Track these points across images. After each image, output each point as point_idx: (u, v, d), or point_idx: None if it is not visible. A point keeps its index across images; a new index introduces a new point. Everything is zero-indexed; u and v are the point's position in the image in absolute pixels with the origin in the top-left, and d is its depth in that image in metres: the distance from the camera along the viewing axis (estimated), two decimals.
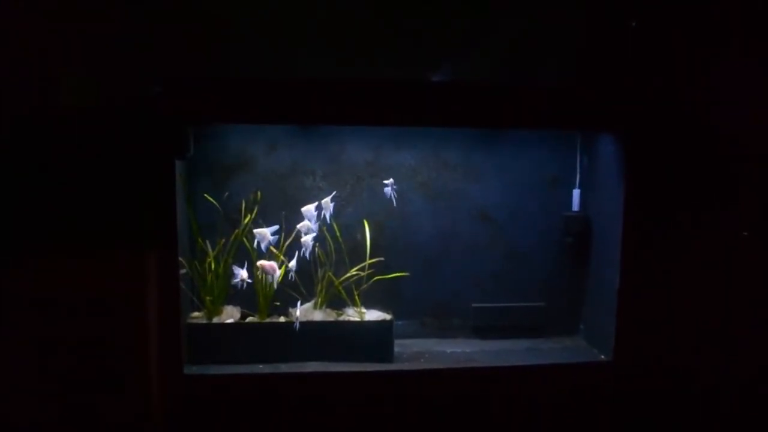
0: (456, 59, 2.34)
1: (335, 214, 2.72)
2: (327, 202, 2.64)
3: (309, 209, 2.67)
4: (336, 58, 2.29)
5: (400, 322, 2.79)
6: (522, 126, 2.60)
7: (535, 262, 2.90)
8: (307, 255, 2.63)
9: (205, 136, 2.65)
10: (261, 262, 2.61)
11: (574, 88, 2.41)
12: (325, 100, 2.29)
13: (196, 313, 2.65)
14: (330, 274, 2.68)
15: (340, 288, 2.69)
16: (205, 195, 2.64)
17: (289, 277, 2.57)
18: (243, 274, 2.59)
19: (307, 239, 2.65)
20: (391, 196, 2.61)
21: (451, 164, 2.84)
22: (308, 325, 2.58)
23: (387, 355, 2.60)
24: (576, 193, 2.86)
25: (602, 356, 2.65)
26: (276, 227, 2.65)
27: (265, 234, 2.62)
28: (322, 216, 2.66)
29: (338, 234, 2.70)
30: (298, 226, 2.65)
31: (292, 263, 2.64)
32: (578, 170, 2.87)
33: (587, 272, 2.86)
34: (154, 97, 2.20)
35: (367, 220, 2.73)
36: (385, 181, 2.67)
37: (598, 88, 2.42)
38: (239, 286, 2.57)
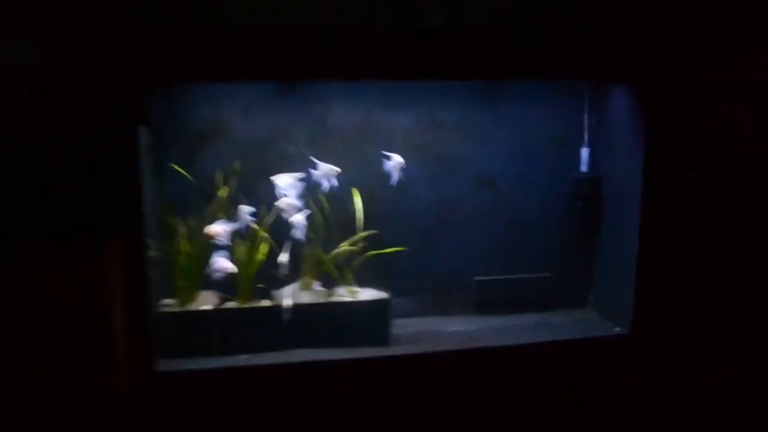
0: (456, 3, 2.11)
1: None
2: (300, 219, 2.37)
3: (284, 180, 2.38)
4: (317, 3, 2.05)
5: (397, 301, 2.63)
6: (531, 77, 2.41)
7: (542, 230, 2.78)
8: (302, 236, 2.38)
9: (171, 100, 2.45)
10: (207, 228, 2.32)
11: (589, 33, 2.21)
12: (307, 52, 2.07)
13: (168, 300, 2.43)
14: (318, 251, 2.48)
15: (331, 266, 2.51)
16: (174, 166, 2.40)
17: (278, 273, 2.38)
18: (227, 265, 2.34)
19: (299, 218, 2.38)
20: (392, 175, 2.41)
21: (449, 125, 2.67)
22: (295, 309, 2.37)
23: (383, 338, 2.44)
24: (585, 152, 2.72)
25: (617, 329, 2.52)
26: (253, 209, 2.42)
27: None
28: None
29: (325, 205, 2.47)
30: (278, 203, 2.38)
31: (283, 258, 2.38)
32: (586, 127, 2.72)
33: (598, 239, 2.74)
34: (108, 58, 1.94)
35: (358, 190, 2.54)
36: (387, 155, 2.46)
37: (614, 33, 2.22)
38: (219, 275, 2.35)
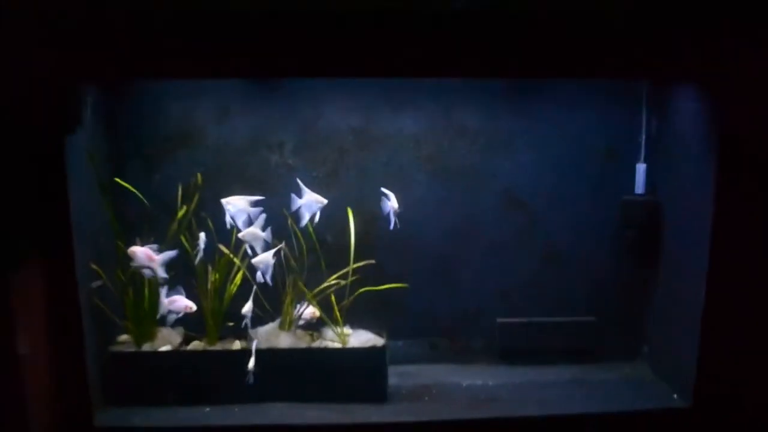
0: None
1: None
2: (267, 258, 2.09)
3: (236, 202, 2.08)
4: None
5: (401, 343, 2.51)
6: (576, 74, 2.13)
7: (583, 264, 2.56)
8: (268, 279, 2.10)
9: (132, 101, 2.31)
10: (132, 249, 2.04)
11: (650, 21, 1.94)
12: (291, 43, 1.85)
13: (123, 337, 2.25)
14: (301, 283, 2.24)
15: (315, 302, 2.28)
16: (117, 179, 2.21)
17: (242, 324, 2.15)
18: (184, 303, 2.10)
19: (264, 259, 2.08)
20: (390, 215, 2.17)
21: (469, 131, 2.46)
22: (272, 354, 2.16)
23: (378, 393, 2.22)
24: (641, 168, 2.47)
25: (675, 395, 2.25)
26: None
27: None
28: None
29: (311, 231, 2.24)
30: (241, 235, 2.11)
31: (247, 308, 2.11)
32: (643, 138, 2.48)
33: (654, 278, 2.50)
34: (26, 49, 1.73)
35: (353, 210, 2.33)
36: (384, 192, 2.18)
37: (681, 22, 1.96)
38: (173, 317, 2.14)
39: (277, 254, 2.10)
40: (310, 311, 2.21)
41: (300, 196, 2.13)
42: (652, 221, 2.43)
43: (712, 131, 2.07)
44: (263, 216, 2.09)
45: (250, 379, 2.02)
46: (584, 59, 1.99)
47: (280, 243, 2.16)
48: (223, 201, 2.06)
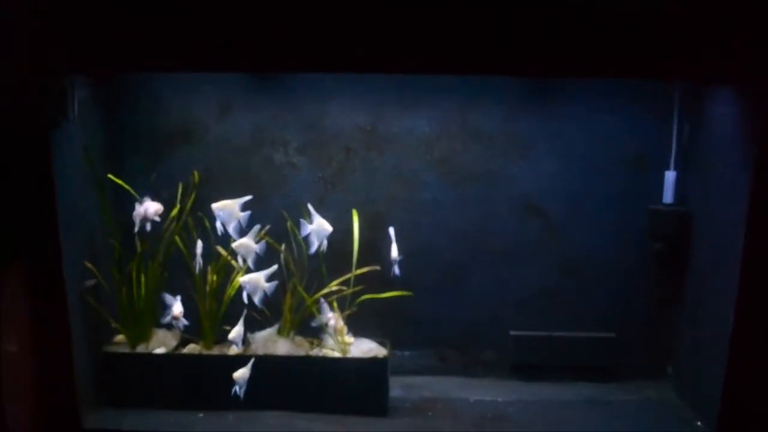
0: None
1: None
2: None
3: (225, 207, 2.01)
4: None
5: (408, 353, 2.46)
6: (601, 73, 2.01)
7: (605, 276, 2.48)
8: (256, 301, 2.03)
9: (132, 95, 2.29)
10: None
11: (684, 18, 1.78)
12: (296, 34, 1.73)
13: (119, 337, 2.21)
14: (300, 288, 2.19)
15: (315, 309, 2.20)
16: (110, 176, 2.18)
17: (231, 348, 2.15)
18: (176, 308, 2.05)
19: (254, 280, 2.02)
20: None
21: (485, 133, 2.40)
22: (268, 361, 2.12)
23: (378, 406, 2.16)
24: (670, 176, 2.37)
25: (699, 423, 2.14)
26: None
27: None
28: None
29: (320, 257, 2.22)
30: (234, 245, 2.05)
31: (236, 332, 2.05)
32: (674, 144, 2.38)
33: (682, 293, 2.41)
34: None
35: (359, 211, 2.28)
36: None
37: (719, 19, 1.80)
38: (176, 324, 2.08)
39: (270, 278, 2.03)
40: (333, 319, 2.14)
41: (311, 221, 2.08)
42: (680, 233, 2.35)
43: (749, 138, 1.95)
44: (257, 227, 2.03)
45: (237, 389, 1.96)
46: (612, 58, 1.86)
47: (280, 247, 2.11)
48: (214, 206, 2.01)
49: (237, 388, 1.97)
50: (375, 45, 1.81)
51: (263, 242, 2.02)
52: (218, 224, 1.98)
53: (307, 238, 2.06)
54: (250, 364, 1.96)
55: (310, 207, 2.07)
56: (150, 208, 2.01)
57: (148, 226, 2.02)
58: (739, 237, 1.93)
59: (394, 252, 2.11)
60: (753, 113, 1.96)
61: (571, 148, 2.40)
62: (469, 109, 2.36)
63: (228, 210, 1.97)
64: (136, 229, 2.02)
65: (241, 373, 1.95)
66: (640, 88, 2.35)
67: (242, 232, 2.02)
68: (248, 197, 2.00)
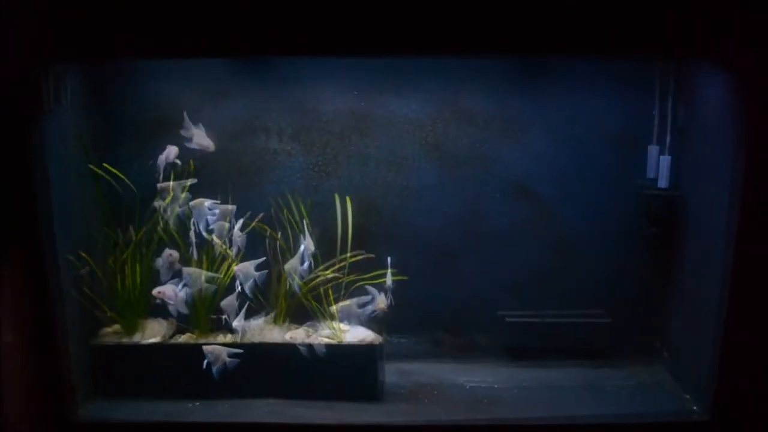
0: None
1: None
2: (248, 269, 2.09)
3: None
4: None
5: (404, 340, 2.48)
6: (586, 51, 2.01)
7: (597, 258, 2.50)
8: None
9: (120, 81, 2.30)
10: (161, 289, 2.03)
11: None
12: (286, 18, 1.73)
13: (109, 329, 2.24)
14: (295, 274, 2.19)
15: (308, 296, 2.22)
16: (105, 165, 2.19)
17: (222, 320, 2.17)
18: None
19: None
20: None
21: (477, 116, 2.41)
22: (261, 349, 2.15)
23: (373, 392, 2.20)
24: (664, 161, 2.37)
25: (694, 407, 2.15)
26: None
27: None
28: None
29: (304, 212, 2.22)
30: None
31: (227, 301, 2.10)
32: (669, 126, 2.36)
33: (675, 275, 2.43)
34: None
35: (351, 197, 2.31)
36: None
37: None
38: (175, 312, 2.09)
39: (260, 267, 2.07)
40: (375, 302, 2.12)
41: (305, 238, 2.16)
42: (673, 217, 2.37)
43: (738, 119, 1.96)
44: (241, 220, 2.10)
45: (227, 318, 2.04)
46: (594, 36, 1.86)
47: (277, 234, 2.15)
48: (191, 204, 2.07)
49: (225, 317, 2.05)
50: (363, 27, 1.78)
51: (245, 236, 2.09)
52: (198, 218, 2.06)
53: (302, 254, 2.10)
54: (236, 293, 2.03)
55: (305, 225, 2.13)
56: (171, 152, 2.07)
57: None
58: (733, 220, 1.95)
59: (389, 280, 2.14)
60: (741, 94, 1.97)
61: (563, 128, 2.41)
62: (461, 91, 2.37)
63: (198, 209, 2.05)
64: (161, 175, 2.06)
65: (229, 301, 2.02)
66: (634, 70, 2.37)
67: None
68: (217, 201, 2.08)
